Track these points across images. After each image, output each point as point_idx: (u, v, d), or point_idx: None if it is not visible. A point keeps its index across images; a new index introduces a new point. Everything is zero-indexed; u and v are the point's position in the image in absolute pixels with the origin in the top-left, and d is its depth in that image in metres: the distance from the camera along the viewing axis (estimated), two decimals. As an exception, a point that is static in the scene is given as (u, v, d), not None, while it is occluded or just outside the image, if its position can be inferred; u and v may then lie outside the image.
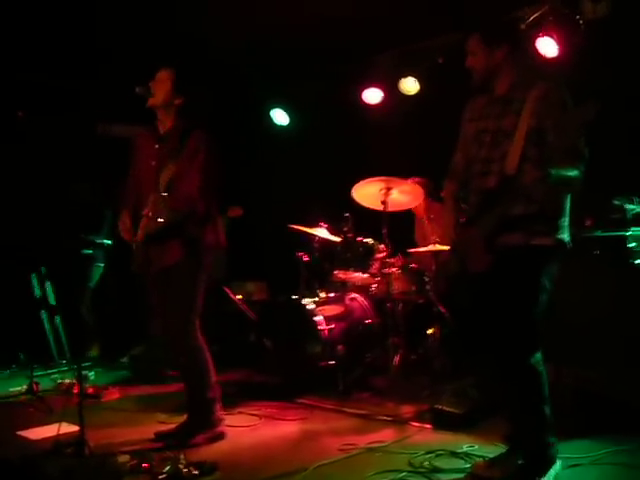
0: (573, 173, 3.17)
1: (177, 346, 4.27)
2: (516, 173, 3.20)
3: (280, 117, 7.67)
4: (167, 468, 3.48)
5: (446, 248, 4.95)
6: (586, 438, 3.85)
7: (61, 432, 4.13)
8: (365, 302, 5.73)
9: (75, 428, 4.02)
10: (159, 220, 4.03)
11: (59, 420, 4.20)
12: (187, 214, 4.11)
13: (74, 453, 3.84)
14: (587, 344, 4.29)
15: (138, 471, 3.51)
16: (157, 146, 4.26)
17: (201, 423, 4.17)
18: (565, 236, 3.33)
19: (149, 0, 5.90)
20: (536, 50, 5.52)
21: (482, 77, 3.44)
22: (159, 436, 4.17)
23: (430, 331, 5.43)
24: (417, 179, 5.66)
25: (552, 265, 3.34)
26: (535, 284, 3.28)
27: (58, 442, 3.97)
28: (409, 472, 3.55)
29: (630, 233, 4.24)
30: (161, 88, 4.18)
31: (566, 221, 3.34)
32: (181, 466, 3.50)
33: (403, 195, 5.34)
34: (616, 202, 4.47)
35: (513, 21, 5.45)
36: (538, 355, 3.32)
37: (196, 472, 3.48)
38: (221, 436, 4.21)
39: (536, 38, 5.52)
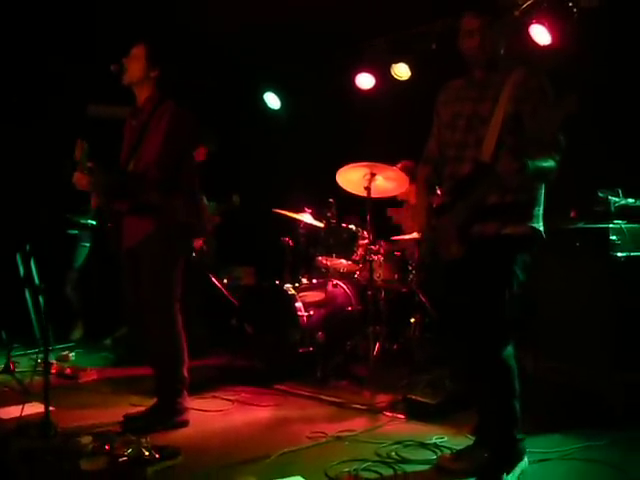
0: (549, 164, 3.08)
1: (153, 331, 4.15)
2: (492, 160, 3.12)
3: (272, 101, 7.59)
4: (129, 451, 3.42)
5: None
6: (557, 432, 3.80)
7: (30, 412, 4.10)
8: (348, 289, 5.67)
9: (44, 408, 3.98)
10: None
11: (31, 400, 4.17)
12: (136, 177, 4.00)
13: (38, 434, 3.79)
14: (566, 336, 4.24)
15: (99, 453, 3.45)
16: (133, 122, 4.20)
17: (166, 410, 4.10)
18: (539, 225, 3.25)
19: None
20: (528, 38, 5.43)
21: (489, 58, 3.29)
22: (127, 419, 4.10)
23: (412, 320, 5.35)
24: (406, 162, 5.57)
25: (524, 255, 3.25)
26: (507, 274, 3.19)
27: (23, 422, 3.93)
28: (374, 462, 3.49)
29: (612, 226, 4.15)
30: (135, 64, 4.11)
31: (540, 210, 3.25)
32: (143, 449, 3.45)
33: (387, 182, 5.26)
34: (601, 194, 4.38)
35: (508, 8, 5.41)
36: (510, 349, 3.24)
37: (157, 456, 3.42)
38: (183, 424, 4.12)
39: (529, 26, 5.43)
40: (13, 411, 4.41)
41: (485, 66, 3.30)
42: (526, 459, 3.30)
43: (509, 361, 3.21)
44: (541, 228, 3.27)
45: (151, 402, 4.30)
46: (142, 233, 4.03)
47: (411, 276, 5.45)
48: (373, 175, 5.08)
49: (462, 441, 3.68)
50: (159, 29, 5.92)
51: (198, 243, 6.29)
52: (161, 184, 3.98)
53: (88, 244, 7.07)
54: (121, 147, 4.32)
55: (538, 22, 5.38)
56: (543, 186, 3.27)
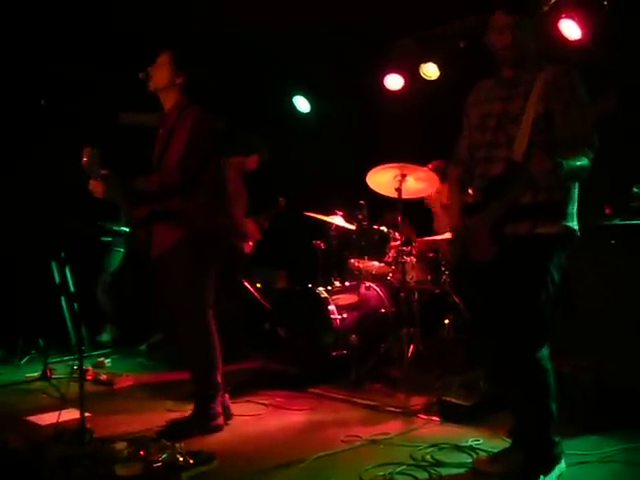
0: (582, 162, 3.04)
1: (186, 338, 4.18)
2: (524, 159, 3.08)
3: (302, 104, 7.59)
4: (163, 456, 3.44)
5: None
6: (596, 434, 3.74)
7: (67, 418, 4.14)
8: (381, 291, 5.64)
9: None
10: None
11: (69, 406, 4.20)
12: (154, 182, 4.01)
13: (74, 440, 3.83)
14: (603, 335, 4.17)
15: (134, 458, 3.47)
16: (161, 130, 4.23)
17: (200, 415, 4.12)
18: (574, 224, 3.20)
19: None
20: (559, 33, 5.35)
21: (518, 57, 3.27)
22: (165, 428, 4.11)
23: (446, 322, 5.30)
24: (437, 162, 5.52)
25: (560, 254, 3.20)
26: (542, 274, 3.15)
27: (60, 428, 3.96)
28: (409, 465, 3.46)
29: (650, 221, 4.08)
30: (161, 71, 4.14)
31: (574, 209, 3.20)
32: (178, 455, 3.46)
33: (418, 182, 5.21)
34: (636, 190, 4.31)
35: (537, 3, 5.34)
36: (545, 351, 3.19)
37: (192, 461, 3.43)
38: (218, 429, 4.13)
39: (558, 21, 5.35)
40: (50, 417, 4.47)
41: (515, 64, 3.26)
42: (563, 462, 3.25)
43: (545, 363, 3.17)
44: (576, 227, 3.21)
45: (187, 407, 4.33)
46: (171, 240, 4.05)
47: (444, 277, 5.40)
48: (404, 176, 5.04)
49: (498, 443, 3.64)
50: (187, 34, 6.00)
51: (249, 246, 6.28)
52: (183, 188, 3.99)
53: (122, 249, 7.13)
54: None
55: (568, 17, 5.30)
56: (577, 184, 3.21)
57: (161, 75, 4.13)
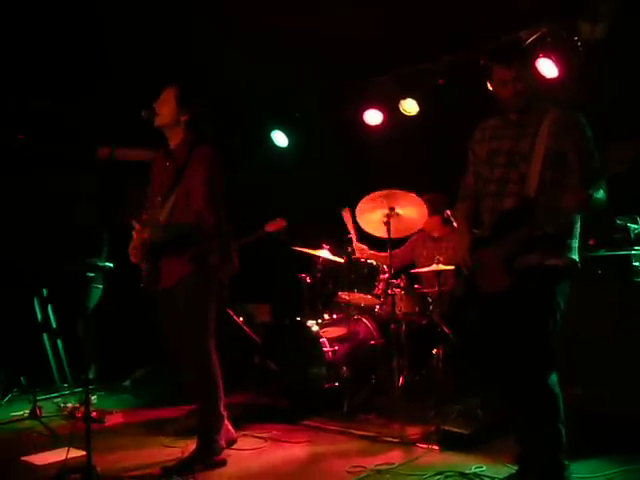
0: (600, 194, 3.22)
1: (188, 369, 4.25)
2: (535, 194, 3.25)
3: (280, 139, 7.69)
4: (176, 493, 3.46)
5: (449, 268, 5.01)
6: (594, 458, 3.86)
7: (69, 457, 4.12)
8: (370, 323, 5.73)
9: (81, 453, 3.97)
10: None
11: (65, 445, 4.16)
12: (195, 227, 4.08)
13: (82, 478, 3.81)
14: (591, 364, 4.30)
15: (148, 496, 3.48)
16: (168, 164, 4.29)
17: (204, 449, 4.14)
18: (576, 257, 3.37)
19: (152, 25, 5.98)
20: (536, 71, 5.57)
21: (526, 102, 3.44)
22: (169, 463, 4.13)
23: (434, 351, 5.40)
24: (429, 195, 5.63)
25: (565, 285, 3.38)
26: (551, 304, 3.33)
27: (64, 468, 3.94)
28: (420, 494, 3.55)
29: (635, 252, 4.25)
30: (166, 107, 4.21)
31: (577, 242, 3.39)
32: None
33: (408, 211, 5.32)
34: (619, 221, 4.50)
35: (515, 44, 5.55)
36: (554, 377, 3.34)
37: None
38: (222, 463, 4.17)
39: (535, 59, 5.57)
40: (46, 457, 4.45)
41: (520, 111, 3.45)
42: (573, 485, 3.36)
43: (555, 388, 3.32)
44: (577, 259, 3.39)
45: (182, 442, 4.42)
46: (179, 274, 4.11)
47: (431, 308, 5.52)
48: (392, 209, 5.17)
49: (500, 469, 3.75)
50: (167, 71, 6.07)
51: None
52: (212, 231, 4.07)
53: (101, 286, 7.08)
54: (141, 189, 4.42)
55: (545, 56, 5.52)
56: (579, 220, 3.38)
57: (166, 112, 4.20)
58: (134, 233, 4.07)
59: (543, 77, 5.55)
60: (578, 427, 4.02)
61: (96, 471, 3.86)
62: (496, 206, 3.43)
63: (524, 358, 3.29)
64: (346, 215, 5.68)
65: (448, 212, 5.48)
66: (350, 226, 5.67)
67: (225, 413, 4.30)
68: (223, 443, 4.23)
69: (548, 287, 3.30)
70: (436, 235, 5.82)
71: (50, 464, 4.27)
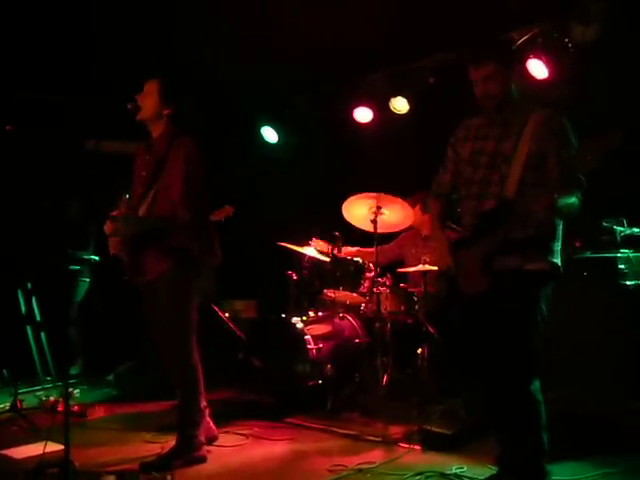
0: (572, 200, 3.19)
1: (171, 364, 4.22)
2: (515, 197, 3.22)
3: (270, 135, 7.67)
4: (154, 489, 3.43)
5: (435, 268, 4.99)
6: (575, 460, 3.84)
7: (47, 451, 4.08)
8: (355, 321, 5.70)
9: (60, 447, 3.91)
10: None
11: (44, 439, 4.12)
12: (169, 220, 4.04)
13: (59, 473, 3.77)
14: (576, 365, 4.30)
15: (124, 492, 3.45)
16: (147, 157, 4.25)
17: (184, 444, 4.11)
18: (558, 260, 3.34)
19: (141, 16, 5.93)
20: (526, 72, 5.56)
21: (496, 102, 3.38)
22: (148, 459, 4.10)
23: (419, 351, 5.39)
24: (421, 194, 5.61)
25: (547, 289, 3.34)
26: (531, 309, 3.29)
27: (42, 461, 3.90)
28: (399, 494, 3.53)
29: (620, 255, 4.25)
30: (149, 100, 4.17)
31: (559, 246, 3.35)
32: (167, 487, 3.45)
33: (394, 214, 5.32)
34: (605, 224, 4.50)
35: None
36: (537, 383, 3.31)
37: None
38: (201, 460, 4.13)
39: (526, 60, 5.56)
40: (26, 450, 4.40)
41: (497, 108, 3.40)
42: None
43: (537, 394, 3.28)
44: (559, 263, 3.36)
45: (164, 438, 4.37)
46: (159, 268, 4.07)
47: (417, 307, 5.51)
48: (379, 208, 5.15)
49: (481, 471, 3.72)
50: (157, 64, 6.02)
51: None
52: (191, 223, 4.02)
53: (87, 279, 7.04)
54: (129, 181, 4.38)
55: (535, 57, 5.51)
56: (562, 223, 3.36)
57: (148, 105, 4.16)
58: (105, 229, 4.03)
59: (533, 78, 5.56)
60: (560, 429, 4.05)
61: (74, 466, 3.82)
62: (477, 208, 3.38)
63: (505, 363, 3.26)
64: (316, 244, 5.66)
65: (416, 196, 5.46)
66: (326, 250, 5.62)
67: (206, 409, 4.28)
68: (203, 438, 4.19)
69: (528, 292, 3.26)
70: (426, 233, 5.80)
71: (29, 458, 4.22)
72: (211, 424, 4.40)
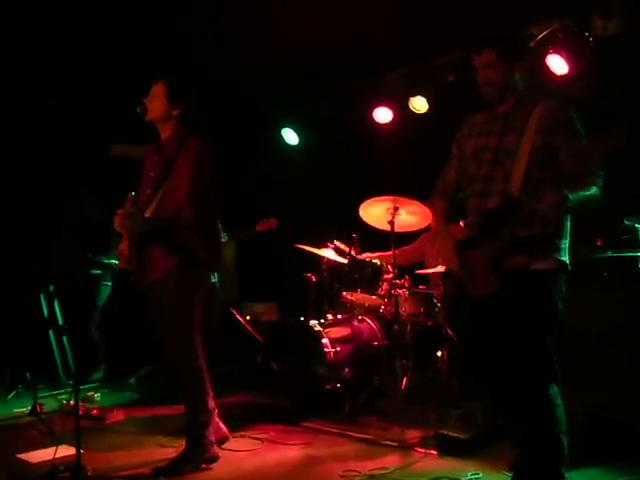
0: (593, 192, 3.07)
1: (174, 364, 4.20)
2: (520, 193, 3.13)
3: (290, 136, 7.64)
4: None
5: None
6: (597, 467, 3.74)
7: (60, 455, 4.07)
8: (374, 324, 5.64)
9: (74, 451, 3.94)
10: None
11: (59, 443, 4.13)
12: (173, 220, 4.03)
13: (71, 477, 3.77)
14: (595, 368, 4.18)
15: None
16: (156, 158, 4.24)
17: (193, 447, 4.08)
18: (566, 258, 3.24)
19: (162, 19, 5.94)
20: (546, 68, 5.45)
21: (496, 90, 3.30)
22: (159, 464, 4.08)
23: (439, 354, 5.31)
24: None
25: (559, 287, 3.23)
26: (544, 308, 3.19)
27: (55, 466, 3.90)
28: (410, 500, 3.46)
29: (641, 254, 4.14)
30: (156, 102, 4.15)
31: (566, 243, 3.24)
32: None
33: (411, 216, 5.25)
34: (627, 222, 4.37)
35: (524, 40, 5.42)
36: (555, 387, 3.20)
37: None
38: (212, 460, 4.11)
39: (546, 56, 5.45)
40: (42, 455, 4.40)
41: (498, 98, 3.32)
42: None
43: (555, 398, 3.17)
44: (567, 261, 3.25)
45: (180, 442, 4.29)
46: (165, 267, 4.05)
47: (437, 309, 5.42)
48: (396, 209, 5.08)
49: (497, 477, 3.66)
50: (176, 66, 6.03)
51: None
52: (195, 224, 4.00)
53: (110, 283, 7.09)
54: (139, 182, 4.37)
55: (555, 52, 5.40)
56: (569, 219, 3.26)
57: (156, 106, 4.15)
58: (114, 226, 4.02)
59: (553, 73, 5.45)
60: (585, 434, 3.94)
61: (85, 470, 3.83)
62: (481, 205, 3.29)
63: (519, 366, 3.16)
64: (337, 248, 5.61)
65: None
66: (348, 250, 5.57)
67: (215, 409, 4.24)
68: (213, 439, 4.16)
69: (537, 292, 3.16)
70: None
71: (44, 462, 4.21)
72: (221, 424, 4.37)
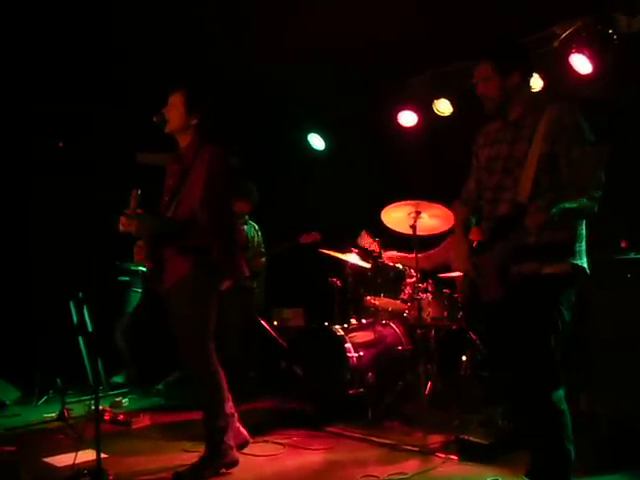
0: (588, 203, 3.02)
1: (192, 370, 4.24)
2: (529, 201, 3.10)
3: (317, 142, 7.65)
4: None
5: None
6: (618, 472, 3.68)
7: (84, 459, 4.14)
8: (398, 328, 5.62)
9: (101, 455, 3.97)
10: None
11: (80, 447, 4.19)
12: (186, 223, 4.05)
13: (91, 482, 3.82)
14: (620, 370, 4.11)
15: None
16: (175, 166, 4.29)
17: (212, 452, 4.10)
18: (582, 261, 3.19)
19: (186, 25, 6.00)
20: (570, 67, 5.38)
21: (496, 104, 3.34)
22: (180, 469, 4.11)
23: (463, 358, 5.26)
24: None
25: (568, 293, 3.19)
26: (550, 315, 3.16)
27: (77, 470, 3.95)
28: (428, 506, 3.44)
29: (665, 255, 4.05)
30: (175, 113, 4.18)
31: (582, 246, 3.20)
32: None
33: (433, 219, 5.22)
34: (651, 223, 4.30)
35: (525, 47, 5.35)
36: (560, 392, 3.17)
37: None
38: (232, 464, 4.12)
39: (569, 55, 5.38)
40: (67, 459, 4.46)
41: (499, 111, 3.33)
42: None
43: (561, 404, 3.14)
44: (584, 264, 3.20)
45: (203, 447, 4.29)
46: (179, 273, 4.07)
47: (460, 313, 5.37)
48: (418, 213, 5.06)
49: (516, 482, 3.59)
50: (201, 74, 6.08)
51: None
52: (207, 228, 4.02)
53: (140, 289, 7.16)
54: (162, 192, 4.41)
55: (578, 51, 5.33)
56: (584, 221, 3.21)
57: (175, 117, 4.18)
58: (120, 226, 4.05)
59: (576, 73, 5.37)
60: (609, 438, 3.88)
61: (107, 474, 3.87)
62: (493, 213, 3.31)
63: (527, 372, 3.14)
64: (363, 240, 5.59)
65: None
66: (372, 246, 5.54)
67: (235, 414, 4.25)
68: (232, 443, 4.17)
69: (547, 297, 3.13)
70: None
71: (69, 466, 4.26)
72: (242, 429, 4.37)
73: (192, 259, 4.05)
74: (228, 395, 4.19)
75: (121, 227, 4.05)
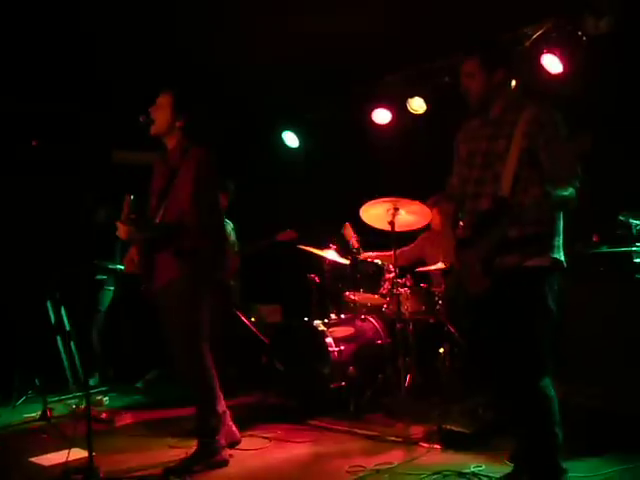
0: (568, 192, 3.17)
1: (183, 370, 4.27)
2: (510, 195, 3.23)
3: (291, 139, 7.72)
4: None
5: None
6: (593, 456, 3.82)
7: (72, 458, 4.16)
8: (377, 323, 5.74)
9: (85, 454, 4.01)
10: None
11: (71, 446, 4.22)
12: (177, 227, 4.10)
13: (84, 479, 3.86)
14: (593, 360, 4.26)
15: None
16: (163, 169, 4.34)
17: (204, 450, 4.16)
18: (560, 255, 3.33)
19: (160, 25, 6.01)
20: (541, 67, 5.53)
21: (479, 100, 3.44)
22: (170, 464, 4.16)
23: (441, 350, 5.39)
24: (437, 197, 5.61)
25: (551, 284, 3.32)
26: (536, 305, 3.28)
27: (67, 468, 3.99)
28: (415, 493, 3.54)
29: (636, 248, 4.21)
30: (162, 114, 4.22)
31: (560, 241, 3.34)
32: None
33: (411, 215, 5.34)
34: (621, 218, 4.46)
35: (509, 45, 5.50)
36: (547, 379, 3.29)
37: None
38: (223, 463, 4.18)
39: (540, 55, 5.53)
40: (54, 458, 4.49)
41: (481, 106, 3.43)
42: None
43: (548, 391, 3.26)
44: (562, 258, 3.34)
45: (189, 443, 4.38)
46: (170, 274, 4.13)
47: (438, 307, 5.50)
48: (397, 210, 5.17)
49: (499, 468, 3.71)
50: (175, 72, 6.10)
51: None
52: (197, 230, 4.08)
53: (112, 288, 7.14)
54: (149, 192, 4.45)
55: (549, 52, 5.48)
56: (562, 217, 3.35)
57: (162, 118, 4.21)
58: (118, 233, 4.10)
59: (548, 73, 5.52)
60: (581, 424, 4.02)
61: (97, 472, 3.91)
62: (474, 207, 3.42)
63: (512, 361, 3.26)
64: (347, 231, 5.69)
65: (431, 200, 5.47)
66: (353, 240, 5.65)
67: (225, 413, 4.32)
68: (224, 442, 4.24)
69: (529, 288, 3.25)
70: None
71: (56, 465, 4.31)
72: (233, 428, 4.45)
73: (182, 260, 4.10)
74: (220, 394, 4.25)
75: (121, 235, 4.10)
